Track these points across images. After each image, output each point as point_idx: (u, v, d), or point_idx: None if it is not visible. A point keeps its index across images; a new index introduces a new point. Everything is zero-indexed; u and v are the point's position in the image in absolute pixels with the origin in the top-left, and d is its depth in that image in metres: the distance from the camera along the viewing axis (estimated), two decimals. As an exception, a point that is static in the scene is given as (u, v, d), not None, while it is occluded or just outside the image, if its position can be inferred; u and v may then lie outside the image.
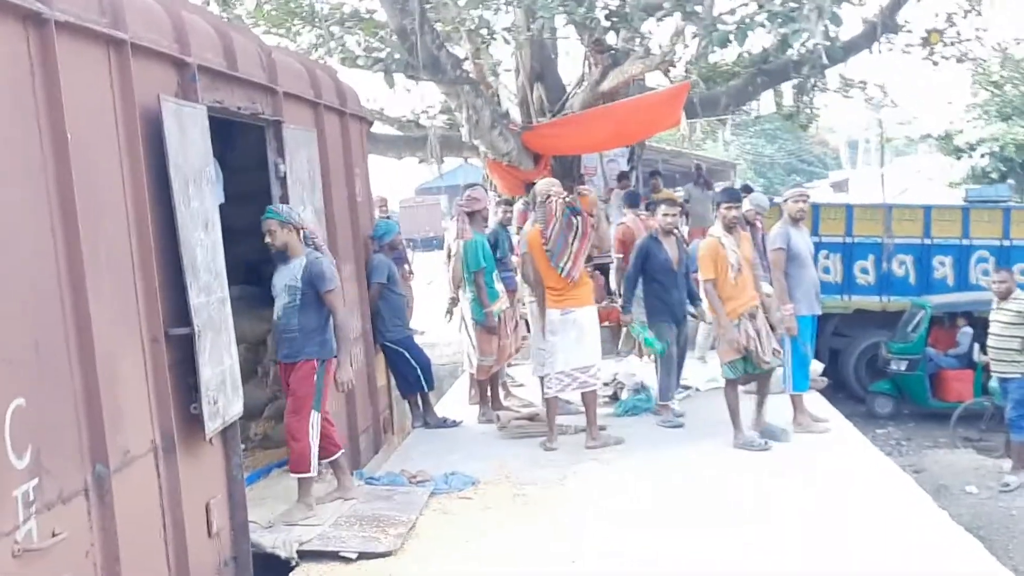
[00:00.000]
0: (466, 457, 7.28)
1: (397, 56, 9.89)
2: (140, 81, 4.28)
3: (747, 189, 11.63)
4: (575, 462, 7.12)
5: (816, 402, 8.39)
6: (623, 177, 14.76)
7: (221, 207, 7.76)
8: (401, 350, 8.14)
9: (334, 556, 5.11)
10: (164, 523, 4.25)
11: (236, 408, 4.88)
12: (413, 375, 8.19)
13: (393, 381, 8.46)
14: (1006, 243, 15.02)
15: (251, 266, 7.63)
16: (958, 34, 15.15)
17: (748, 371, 7.33)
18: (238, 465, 4.97)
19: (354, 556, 5.09)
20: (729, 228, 7.29)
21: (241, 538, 4.95)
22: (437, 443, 7.81)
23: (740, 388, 8.76)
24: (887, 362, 13.97)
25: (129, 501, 3.93)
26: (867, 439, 8.07)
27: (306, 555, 5.12)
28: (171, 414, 4.31)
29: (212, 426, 4.54)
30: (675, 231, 8.39)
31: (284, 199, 6.10)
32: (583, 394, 7.64)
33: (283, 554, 5.02)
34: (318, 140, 6.88)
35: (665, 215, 8.29)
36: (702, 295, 8.14)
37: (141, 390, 4.15)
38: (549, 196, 7.53)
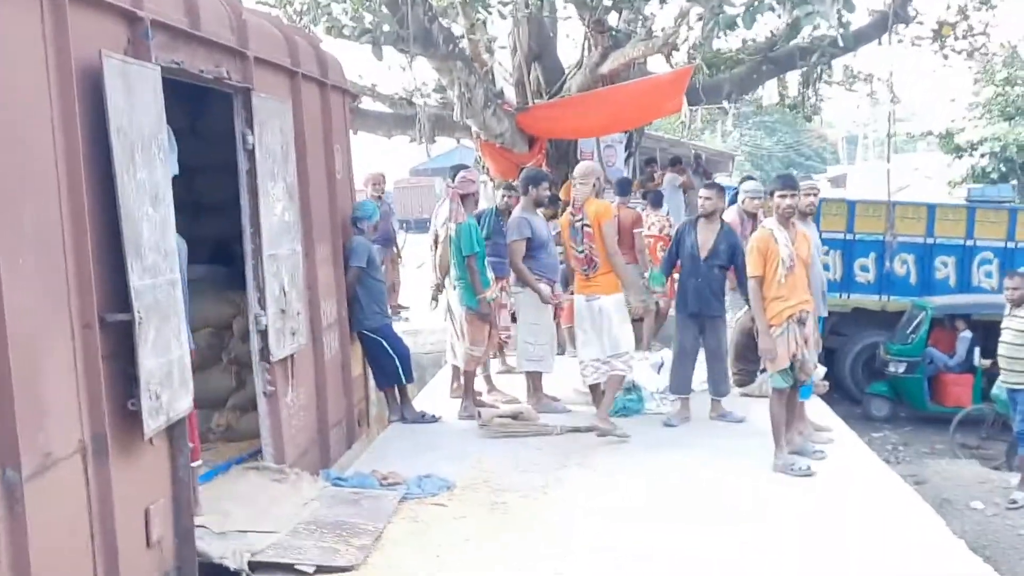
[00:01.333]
0: (443, 457, 6.79)
1: (386, 27, 9.38)
2: (80, 34, 3.78)
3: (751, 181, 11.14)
4: (560, 466, 6.65)
5: (818, 409, 7.93)
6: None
7: (191, 181, 7.34)
8: (379, 339, 7.64)
9: (289, 569, 4.63)
10: (92, 533, 3.76)
11: (184, 403, 4.39)
12: (391, 366, 7.69)
13: (370, 371, 7.97)
14: (1011, 245, 14.64)
15: (221, 244, 7.16)
16: (970, 28, 14.72)
17: (794, 383, 6.64)
18: (185, 466, 4.48)
19: (311, 569, 4.60)
20: (784, 220, 6.57)
21: (186, 547, 4.46)
22: (413, 440, 7.33)
23: (739, 391, 8.39)
24: (885, 364, 13.59)
25: (48, 509, 3.45)
26: (868, 448, 7.67)
27: (258, 567, 4.62)
28: (104, 410, 3.81)
29: (153, 424, 4.05)
30: (720, 217, 7.91)
31: (252, 173, 5.61)
32: (609, 376, 7.37)
33: (232, 565, 4.52)
34: (294, 111, 6.37)
35: (700, 197, 7.95)
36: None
37: (68, 383, 3.65)
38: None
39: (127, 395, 3.97)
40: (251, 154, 5.60)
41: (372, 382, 8.12)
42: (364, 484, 5.98)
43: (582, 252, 7.33)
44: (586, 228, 7.28)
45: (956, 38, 14.28)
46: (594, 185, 7.44)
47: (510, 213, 8.65)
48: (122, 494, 3.92)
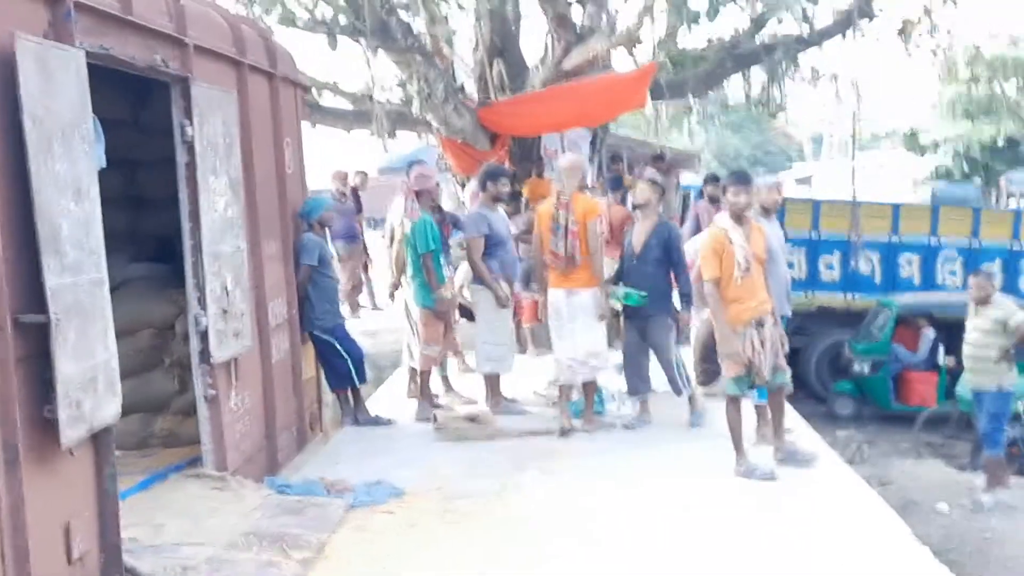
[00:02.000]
0: (396, 462, 6.57)
1: (342, 19, 9.11)
2: (-9, 14, 3.52)
3: (714, 179, 11.02)
4: (516, 471, 6.42)
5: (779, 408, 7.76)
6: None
7: (133, 175, 7.07)
8: (331, 339, 7.40)
9: (224, 585, 4.39)
10: (2, 551, 3.49)
11: (110, 410, 4.12)
12: (343, 367, 7.45)
13: (323, 373, 7.72)
14: (975, 243, 14.62)
15: (163, 241, 6.88)
16: (934, 25, 14.63)
17: (752, 387, 6.47)
18: (111, 477, 4.22)
19: (247, 586, 4.37)
20: (738, 218, 6.36)
21: (112, 563, 4.19)
22: (365, 445, 7.10)
23: (702, 391, 8.20)
24: (850, 362, 13.50)
25: (-49, 528, 3.19)
26: (832, 449, 7.53)
27: (191, 583, 4.39)
28: (16, 418, 3.54)
29: (72, 434, 3.78)
30: (656, 211, 7.70)
31: (191, 166, 5.34)
32: (584, 381, 7.43)
33: (162, 582, 4.27)
34: (240, 103, 6.11)
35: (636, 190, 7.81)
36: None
37: (-24, 390, 3.40)
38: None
39: (43, 402, 3.70)
40: (190, 146, 5.33)
41: (327, 384, 7.87)
42: (310, 492, 5.73)
43: (562, 248, 7.17)
44: (571, 224, 7.14)
45: (920, 34, 14.18)
46: (570, 179, 7.29)
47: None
48: (38, 508, 3.66)
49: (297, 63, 7.71)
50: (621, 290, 7.54)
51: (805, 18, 8.48)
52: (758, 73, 13.32)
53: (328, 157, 16.82)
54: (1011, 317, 8.14)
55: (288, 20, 9.16)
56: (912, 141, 31.42)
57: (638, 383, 7.69)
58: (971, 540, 7.51)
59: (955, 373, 11.06)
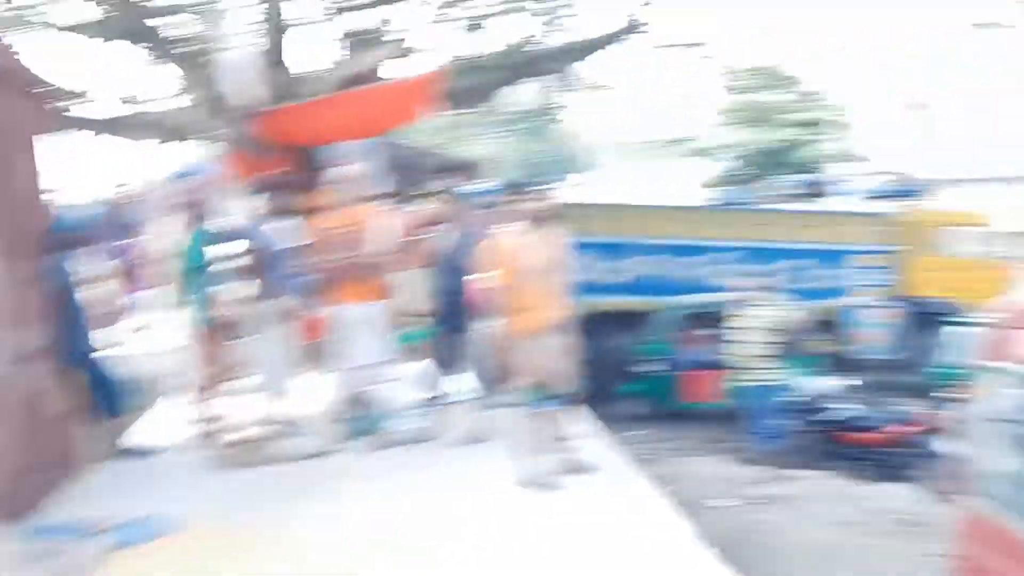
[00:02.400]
0: (165, 494, 6.14)
1: (110, 22, 8.52)
2: None
3: (498, 189, 11.07)
4: (294, 497, 6.12)
5: (567, 416, 7.81)
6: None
7: None
8: (91, 367, 6.87)
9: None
10: None
11: None
12: (106, 395, 6.95)
13: (86, 403, 7.14)
14: (751, 244, 15.29)
15: None
16: (697, 41, 15.35)
17: (544, 396, 6.41)
18: None
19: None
20: (518, 226, 6.35)
21: None
22: (130, 477, 6.60)
23: (488, 401, 8.13)
24: (636, 364, 13.84)
25: None
26: (618, 452, 7.63)
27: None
28: None
29: None
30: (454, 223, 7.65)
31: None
32: (360, 391, 7.31)
33: None
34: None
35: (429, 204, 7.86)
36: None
37: None
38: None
39: None
40: None
41: (89, 415, 7.29)
42: (63, 535, 5.23)
43: (340, 260, 7.04)
44: (347, 235, 7.05)
45: (691, 47, 14.83)
46: (356, 190, 7.19)
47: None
48: None
49: (55, 67, 7.14)
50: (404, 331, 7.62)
51: (566, 31, 8.65)
52: (534, 83, 13.57)
53: (100, 168, 15.96)
54: (776, 316, 8.56)
55: (30, 23, 8.43)
56: (696, 148, 33.02)
57: (432, 398, 7.64)
58: (754, 532, 7.76)
59: (736, 370, 11.56)
